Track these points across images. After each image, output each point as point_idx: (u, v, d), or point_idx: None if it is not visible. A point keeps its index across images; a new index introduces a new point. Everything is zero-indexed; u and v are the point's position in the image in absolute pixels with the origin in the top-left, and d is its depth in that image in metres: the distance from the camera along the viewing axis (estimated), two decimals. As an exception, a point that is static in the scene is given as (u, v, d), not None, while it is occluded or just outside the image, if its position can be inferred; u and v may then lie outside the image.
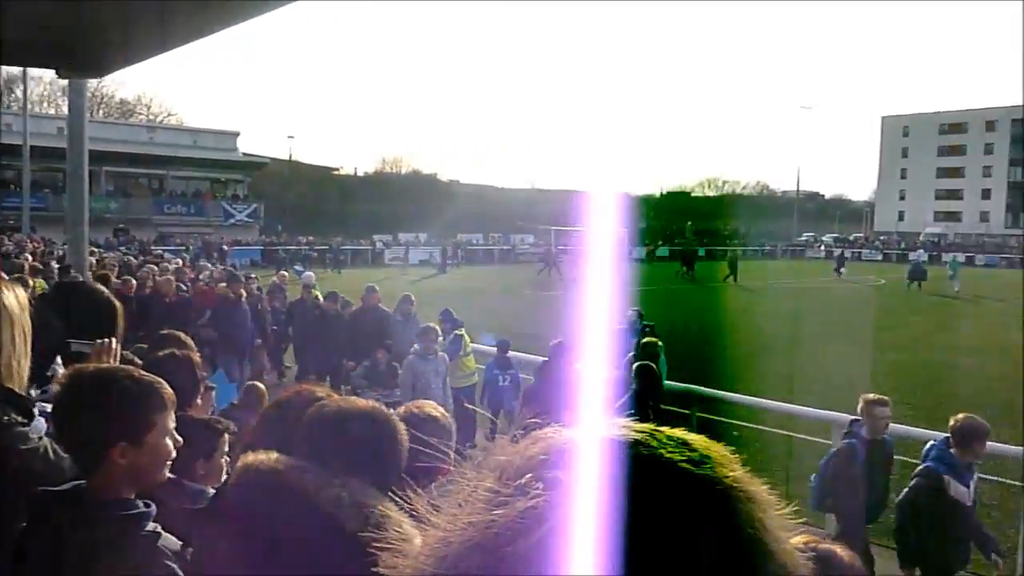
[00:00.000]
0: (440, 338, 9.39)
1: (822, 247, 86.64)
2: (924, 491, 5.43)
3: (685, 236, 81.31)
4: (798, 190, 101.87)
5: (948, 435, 5.58)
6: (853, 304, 34.27)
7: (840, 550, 0.56)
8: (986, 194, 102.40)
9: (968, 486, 5.46)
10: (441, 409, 3.21)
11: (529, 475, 0.56)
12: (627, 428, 0.60)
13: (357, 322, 11.52)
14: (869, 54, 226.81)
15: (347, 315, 12.12)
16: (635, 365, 7.84)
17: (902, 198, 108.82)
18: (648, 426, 0.61)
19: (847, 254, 64.40)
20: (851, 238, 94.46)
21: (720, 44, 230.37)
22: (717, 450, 0.61)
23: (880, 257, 77.78)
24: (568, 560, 0.50)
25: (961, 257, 52.91)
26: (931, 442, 5.77)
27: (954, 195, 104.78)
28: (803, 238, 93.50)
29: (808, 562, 0.61)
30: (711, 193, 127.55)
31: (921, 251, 78.32)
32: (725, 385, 10.36)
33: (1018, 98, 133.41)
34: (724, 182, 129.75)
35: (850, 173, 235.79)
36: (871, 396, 6.38)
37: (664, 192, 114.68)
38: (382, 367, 9.79)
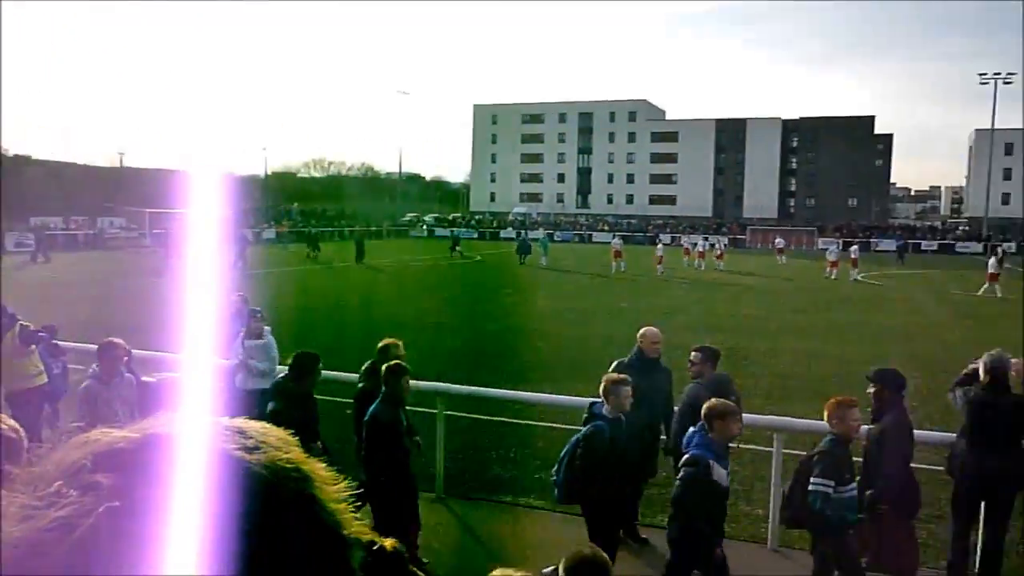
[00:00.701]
0: (127, 357, 7.41)
1: (424, 227, 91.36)
2: (692, 480, 5.46)
3: (292, 217, 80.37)
4: (400, 172, 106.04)
5: (703, 421, 5.65)
6: (477, 277, 37.31)
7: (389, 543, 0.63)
8: (561, 178, 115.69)
9: (726, 468, 5.62)
10: (11, 422, 2.83)
11: (60, 483, 0.54)
12: (181, 422, 0.61)
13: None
14: (460, 45, 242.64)
15: None
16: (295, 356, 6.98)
17: (493, 180, 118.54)
18: (209, 418, 0.62)
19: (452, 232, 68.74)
20: (451, 217, 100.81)
21: (321, 29, 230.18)
22: (275, 435, 0.64)
23: (476, 235, 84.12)
24: (112, 561, 0.49)
25: (543, 234, 59.22)
26: (691, 429, 5.77)
27: (535, 178, 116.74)
28: (407, 218, 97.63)
29: (366, 528, 0.66)
30: (317, 174, 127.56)
31: (510, 229, 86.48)
32: (349, 365, 10.25)
33: (582, 95, 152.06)
34: (330, 163, 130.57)
35: (448, 156, 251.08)
36: (614, 376, 6.31)
37: (270, 173, 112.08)
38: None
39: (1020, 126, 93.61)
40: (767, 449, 7.61)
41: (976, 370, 6.69)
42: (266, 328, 9.11)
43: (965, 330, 21.09)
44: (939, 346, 17.91)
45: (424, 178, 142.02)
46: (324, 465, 0.65)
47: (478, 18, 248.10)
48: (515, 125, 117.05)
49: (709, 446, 5.52)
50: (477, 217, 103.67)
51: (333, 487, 0.63)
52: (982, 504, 6.58)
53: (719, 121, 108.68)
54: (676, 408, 7.16)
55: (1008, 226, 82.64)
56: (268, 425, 0.65)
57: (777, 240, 53.65)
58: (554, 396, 9.61)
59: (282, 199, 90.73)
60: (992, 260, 33.59)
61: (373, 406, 6.53)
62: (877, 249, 67.77)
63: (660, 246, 43.63)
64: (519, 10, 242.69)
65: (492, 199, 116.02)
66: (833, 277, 38.24)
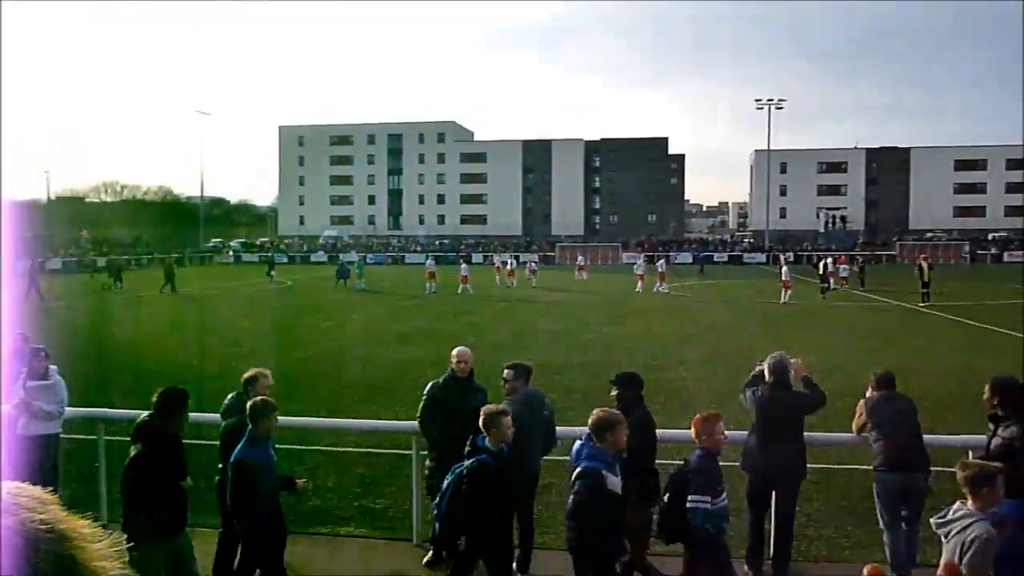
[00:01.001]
0: None
1: (231, 252, 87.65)
2: (588, 492, 5.45)
3: (81, 246, 74.72)
4: (202, 196, 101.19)
5: (590, 432, 5.65)
6: (295, 302, 35.85)
7: None
8: (372, 200, 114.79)
9: (618, 476, 5.62)
10: None
11: None
12: None
13: None
14: (264, 66, 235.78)
15: None
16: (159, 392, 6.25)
17: (302, 203, 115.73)
18: None
19: (262, 257, 66.52)
20: (259, 242, 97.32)
21: (109, 43, 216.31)
22: (30, 495, 0.60)
23: (287, 260, 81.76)
24: None
25: (357, 256, 58.51)
26: (578, 441, 5.79)
27: (346, 201, 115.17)
28: (212, 244, 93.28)
29: None
30: (109, 198, 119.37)
31: (321, 253, 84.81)
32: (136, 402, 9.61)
33: (390, 116, 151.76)
34: (123, 187, 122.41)
35: (254, 179, 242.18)
36: (494, 408, 6.24)
37: (53, 197, 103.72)
38: None
39: (792, 147, 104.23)
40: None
41: (762, 371, 7.27)
42: (52, 367, 8.38)
43: (761, 335, 22.83)
44: (736, 350, 19.25)
45: (229, 202, 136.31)
46: (88, 522, 0.62)
47: (281, 37, 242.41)
48: (323, 147, 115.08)
49: (600, 456, 5.54)
50: (287, 241, 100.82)
51: (96, 545, 0.60)
52: (773, 493, 7.15)
53: (525, 142, 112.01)
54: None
55: (785, 237, 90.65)
56: (23, 484, 0.61)
57: (579, 258, 56.13)
58: (371, 421, 9.50)
59: (69, 226, 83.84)
60: (785, 269, 36.31)
61: (238, 447, 6.12)
62: (676, 263, 72.11)
63: (464, 266, 44.20)
64: (321, 30, 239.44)
65: (302, 222, 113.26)
66: (639, 290, 40.26)
